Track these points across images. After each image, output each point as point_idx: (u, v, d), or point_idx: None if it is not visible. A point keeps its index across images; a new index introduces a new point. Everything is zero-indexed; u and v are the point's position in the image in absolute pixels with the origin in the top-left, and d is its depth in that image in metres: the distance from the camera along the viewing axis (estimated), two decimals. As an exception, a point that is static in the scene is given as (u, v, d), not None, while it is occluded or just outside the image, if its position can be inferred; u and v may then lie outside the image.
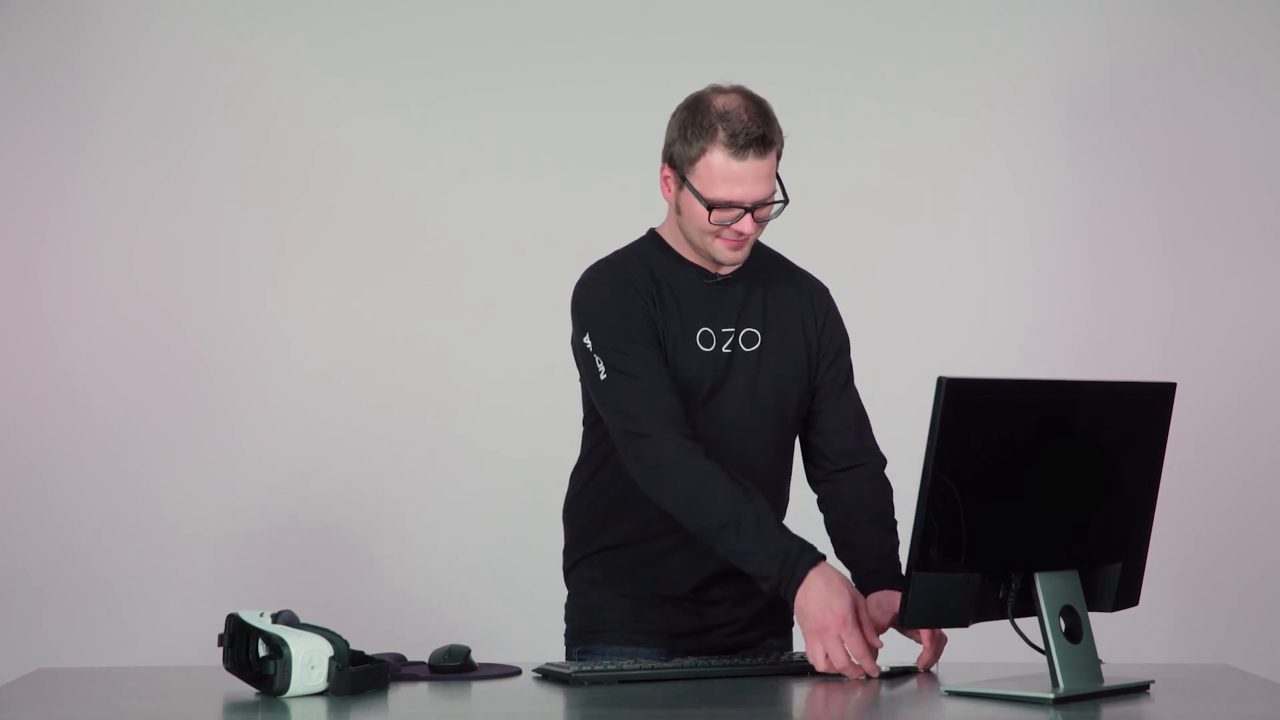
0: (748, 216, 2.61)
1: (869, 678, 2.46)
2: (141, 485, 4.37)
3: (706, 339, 2.69)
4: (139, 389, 4.38)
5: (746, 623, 2.73)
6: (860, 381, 4.55)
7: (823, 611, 2.45)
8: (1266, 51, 4.49)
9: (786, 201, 2.65)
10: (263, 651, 2.32)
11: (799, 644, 2.85)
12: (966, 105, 4.48)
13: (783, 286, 2.78)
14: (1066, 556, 2.40)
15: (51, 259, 4.39)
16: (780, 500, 2.78)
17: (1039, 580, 2.35)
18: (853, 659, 2.45)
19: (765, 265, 2.79)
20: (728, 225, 2.62)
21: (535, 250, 4.45)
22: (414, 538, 4.41)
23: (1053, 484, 2.36)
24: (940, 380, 2.24)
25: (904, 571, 2.28)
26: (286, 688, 2.28)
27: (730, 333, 2.70)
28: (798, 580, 2.48)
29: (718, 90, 2.66)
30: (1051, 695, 2.28)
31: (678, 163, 2.64)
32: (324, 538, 4.39)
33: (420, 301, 4.45)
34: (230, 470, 4.38)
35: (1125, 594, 2.51)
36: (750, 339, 2.71)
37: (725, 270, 2.72)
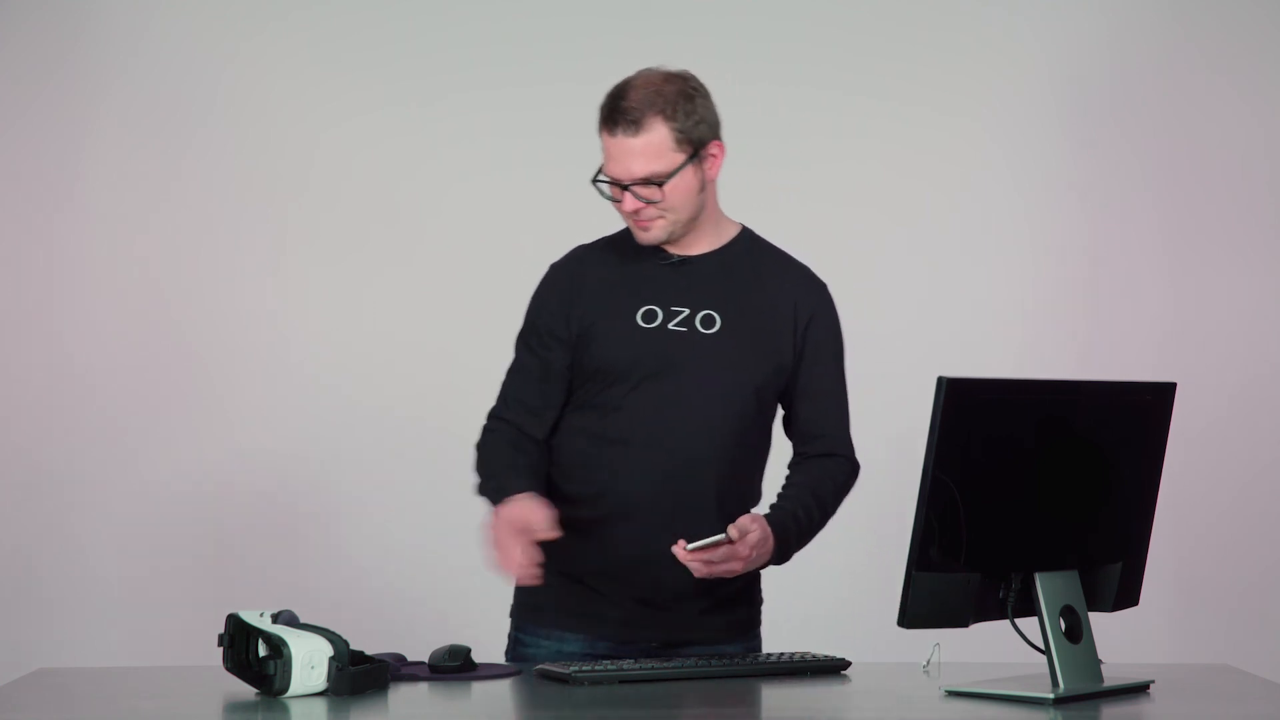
0: (626, 194, 2.64)
1: None
2: (142, 485, 4.37)
3: (650, 316, 2.69)
4: (140, 389, 4.38)
5: (696, 616, 2.69)
6: (860, 382, 4.54)
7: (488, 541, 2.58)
8: (1267, 51, 4.48)
9: (661, 185, 2.63)
10: (263, 651, 2.32)
11: (771, 644, 2.84)
12: (966, 105, 4.48)
13: (766, 277, 2.75)
14: (1066, 556, 2.40)
15: (52, 259, 4.38)
16: (748, 493, 2.75)
17: (1039, 580, 2.35)
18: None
19: (751, 254, 2.77)
20: (615, 201, 2.67)
21: (535, 250, 4.42)
22: (414, 537, 4.40)
23: (1053, 484, 2.36)
24: (940, 380, 2.24)
25: (905, 572, 2.28)
26: (286, 687, 2.29)
27: (681, 311, 2.69)
28: (495, 498, 2.64)
29: (647, 69, 2.71)
30: (1051, 695, 2.28)
31: None
32: (324, 537, 4.38)
33: (421, 301, 4.44)
34: (230, 470, 4.38)
35: (1125, 594, 2.51)
36: (708, 321, 2.70)
37: (673, 250, 2.72)
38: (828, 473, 2.75)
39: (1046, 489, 2.36)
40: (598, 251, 2.80)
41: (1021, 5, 4.48)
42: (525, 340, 2.80)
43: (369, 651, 2.53)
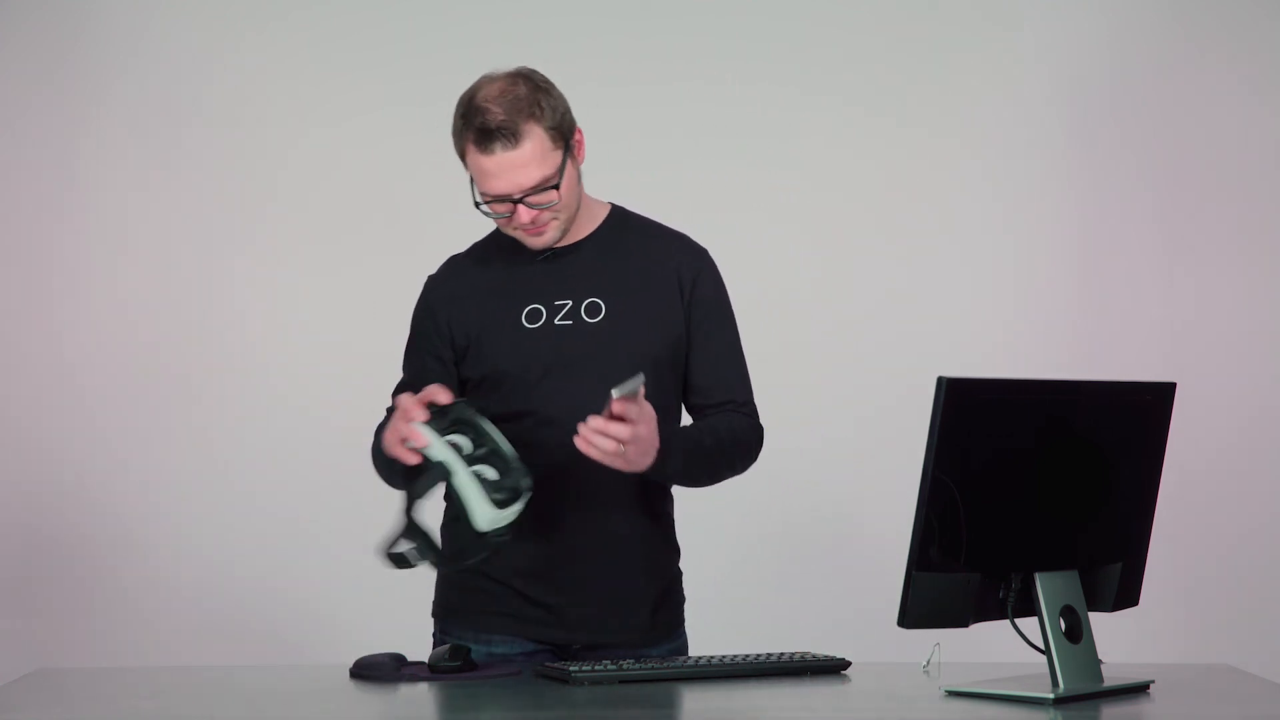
0: (519, 208, 2.59)
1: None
2: (142, 484, 4.37)
3: (534, 315, 2.66)
4: (140, 388, 4.38)
5: (620, 616, 2.66)
6: (860, 382, 4.55)
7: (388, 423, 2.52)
8: (1267, 51, 4.48)
9: (558, 188, 2.59)
10: (490, 472, 2.40)
11: (771, 644, 2.84)
12: (967, 105, 4.48)
13: (644, 251, 2.71)
14: (1066, 556, 2.40)
15: (52, 259, 4.38)
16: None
17: (1039, 580, 2.35)
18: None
19: (625, 231, 2.73)
20: (506, 218, 2.61)
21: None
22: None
23: (1053, 484, 2.36)
24: (940, 380, 2.24)
25: (905, 572, 2.28)
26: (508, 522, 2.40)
27: (565, 305, 2.66)
28: (379, 432, 2.58)
29: (486, 79, 2.62)
30: (1051, 695, 2.29)
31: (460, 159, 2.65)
32: (324, 537, 4.38)
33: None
34: (231, 469, 4.38)
35: (1125, 594, 2.51)
36: (593, 309, 2.66)
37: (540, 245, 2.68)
38: (724, 418, 2.69)
39: (1046, 489, 2.36)
40: (472, 259, 2.77)
41: (1022, 5, 4.48)
42: (408, 355, 2.76)
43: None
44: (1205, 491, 4.40)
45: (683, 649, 2.76)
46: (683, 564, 2.78)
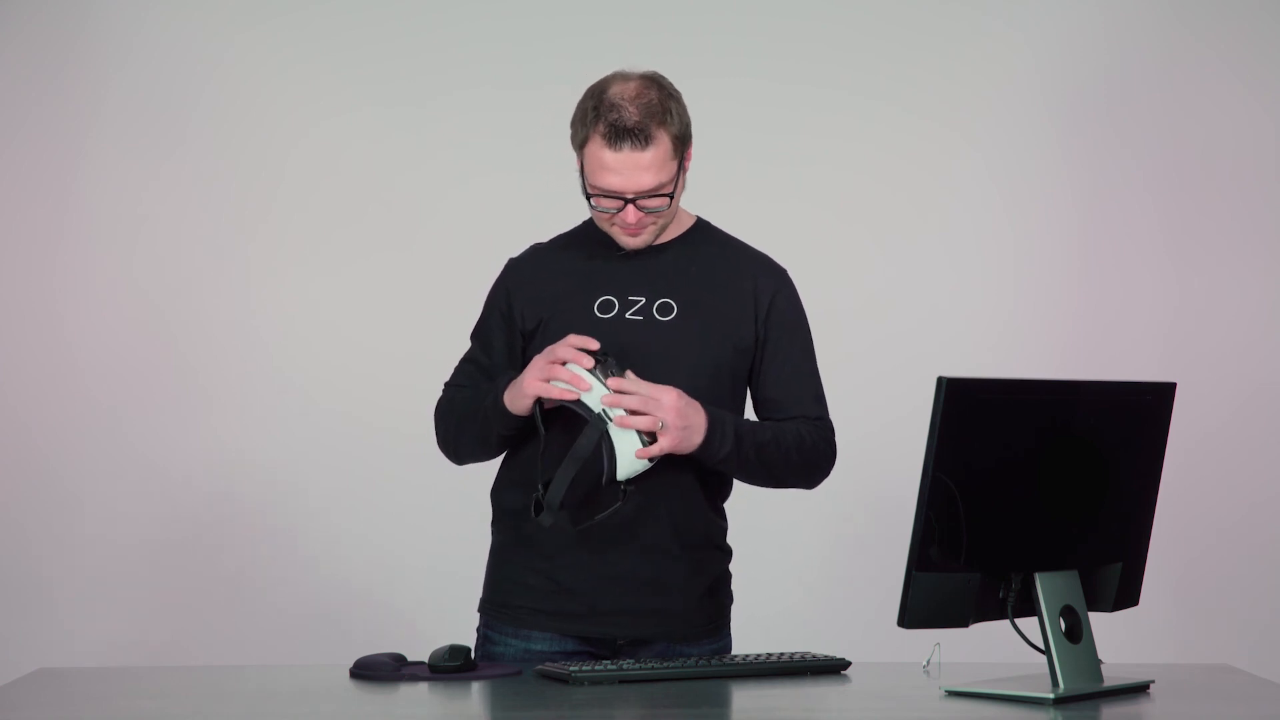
0: (629, 207, 2.61)
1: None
2: (142, 485, 4.36)
3: (606, 306, 2.69)
4: (141, 389, 4.38)
5: (663, 614, 2.67)
6: (860, 382, 4.54)
7: (528, 366, 2.57)
8: (1265, 49, 4.48)
9: (671, 197, 2.62)
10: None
11: (771, 644, 2.84)
12: (967, 104, 4.47)
13: (723, 262, 2.73)
14: (1066, 556, 2.40)
15: (53, 257, 4.38)
16: (723, 481, 2.73)
17: (1039, 580, 2.35)
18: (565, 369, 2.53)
19: (707, 242, 2.76)
20: (612, 214, 2.63)
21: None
22: (415, 537, 4.40)
23: (1053, 484, 2.37)
24: (940, 380, 2.24)
25: (905, 572, 2.29)
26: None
27: (638, 301, 2.68)
28: (502, 386, 2.61)
29: (620, 76, 2.64)
30: (1051, 695, 2.29)
31: (574, 146, 2.66)
32: (325, 537, 4.38)
33: (419, 303, 4.43)
34: (231, 470, 4.37)
35: (1125, 594, 2.51)
36: (665, 309, 2.68)
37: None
38: (793, 424, 2.71)
39: (1046, 489, 2.36)
40: (553, 248, 2.80)
41: (1023, 5, 4.47)
42: (477, 331, 2.80)
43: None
44: (1205, 491, 4.41)
45: (726, 649, 2.76)
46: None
